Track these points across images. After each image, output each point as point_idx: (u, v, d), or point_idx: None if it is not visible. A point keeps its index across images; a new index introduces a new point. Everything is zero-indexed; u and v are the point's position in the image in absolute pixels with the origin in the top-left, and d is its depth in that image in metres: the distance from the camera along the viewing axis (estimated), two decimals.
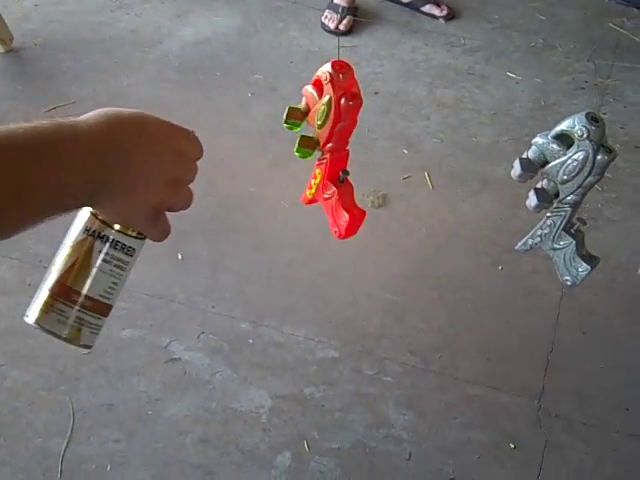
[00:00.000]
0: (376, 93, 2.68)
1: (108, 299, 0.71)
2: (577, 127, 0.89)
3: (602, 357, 1.90)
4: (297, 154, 1.00)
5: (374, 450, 1.74)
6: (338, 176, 1.06)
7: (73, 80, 2.77)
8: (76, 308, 0.69)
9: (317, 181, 1.07)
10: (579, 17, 3.07)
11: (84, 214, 0.69)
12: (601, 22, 3.03)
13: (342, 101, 0.94)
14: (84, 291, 0.69)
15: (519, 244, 1.02)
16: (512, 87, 2.74)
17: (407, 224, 2.23)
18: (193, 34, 3.00)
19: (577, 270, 1.00)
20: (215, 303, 2.02)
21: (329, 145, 0.99)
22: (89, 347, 0.72)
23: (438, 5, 3.05)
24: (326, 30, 2.99)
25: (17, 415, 1.79)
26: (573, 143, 0.90)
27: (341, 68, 0.95)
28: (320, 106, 0.95)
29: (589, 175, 0.91)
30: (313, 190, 1.08)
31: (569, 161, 0.91)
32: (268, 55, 2.88)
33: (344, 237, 1.07)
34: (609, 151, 0.91)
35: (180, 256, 2.12)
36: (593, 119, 0.89)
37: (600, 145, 0.90)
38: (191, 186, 0.70)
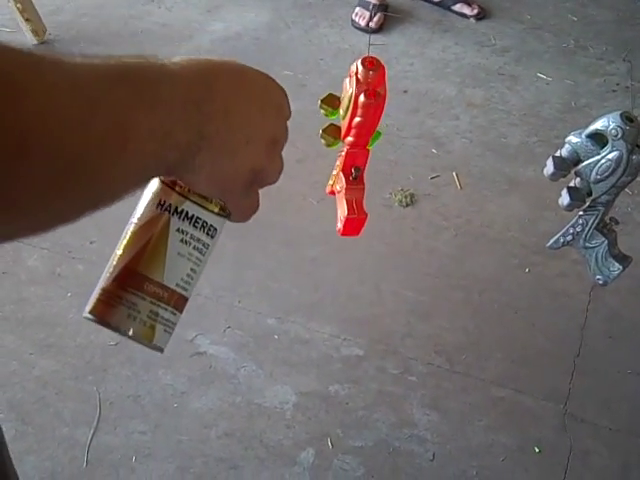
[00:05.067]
0: (405, 92, 2.67)
1: (185, 290, 0.59)
2: (611, 126, 0.88)
3: (629, 362, 1.88)
4: (321, 139, 1.00)
5: (398, 450, 1.73)
6: (351, 172, 1.07)
7: None
8: (149, 300, 0.56)
9: (335, 172, 1.08)
10: (612, 18, 3.05)
11: (155, 186, 0.58)
12: (633, 24, 3.00)
13: (361, 97, 0.93)
14: (159, 279, 0.56)
15: (551, 241, 1.02)
16: (542, 88, 2.72)
17: (434, 223, 2.22)
18: (223, 29, 3.02)
19: (609, 269, 0.99)
20: (241, 298, 2.03)
21: (348, 139, 1.00)
22: (161, 350, 0.59)
23: (469, 4, 3.04)
24: (356, 27, 2.98)
25: (44, 404, 1.81)
26: (607, 142, 0.90)
27: (371, 65, 0.94)
28: (344, 98, 0.96)
29: (623, 175, 0.90)
30: (332, 181, 1.09)
31: (603, 160, 0.90)
32: (298, 51, 2.89)
33: (343, 235, 1.06)
34: None
35: None
36: (628, 119, 0.88)
37: (635, 145, 0.89)
38: None
